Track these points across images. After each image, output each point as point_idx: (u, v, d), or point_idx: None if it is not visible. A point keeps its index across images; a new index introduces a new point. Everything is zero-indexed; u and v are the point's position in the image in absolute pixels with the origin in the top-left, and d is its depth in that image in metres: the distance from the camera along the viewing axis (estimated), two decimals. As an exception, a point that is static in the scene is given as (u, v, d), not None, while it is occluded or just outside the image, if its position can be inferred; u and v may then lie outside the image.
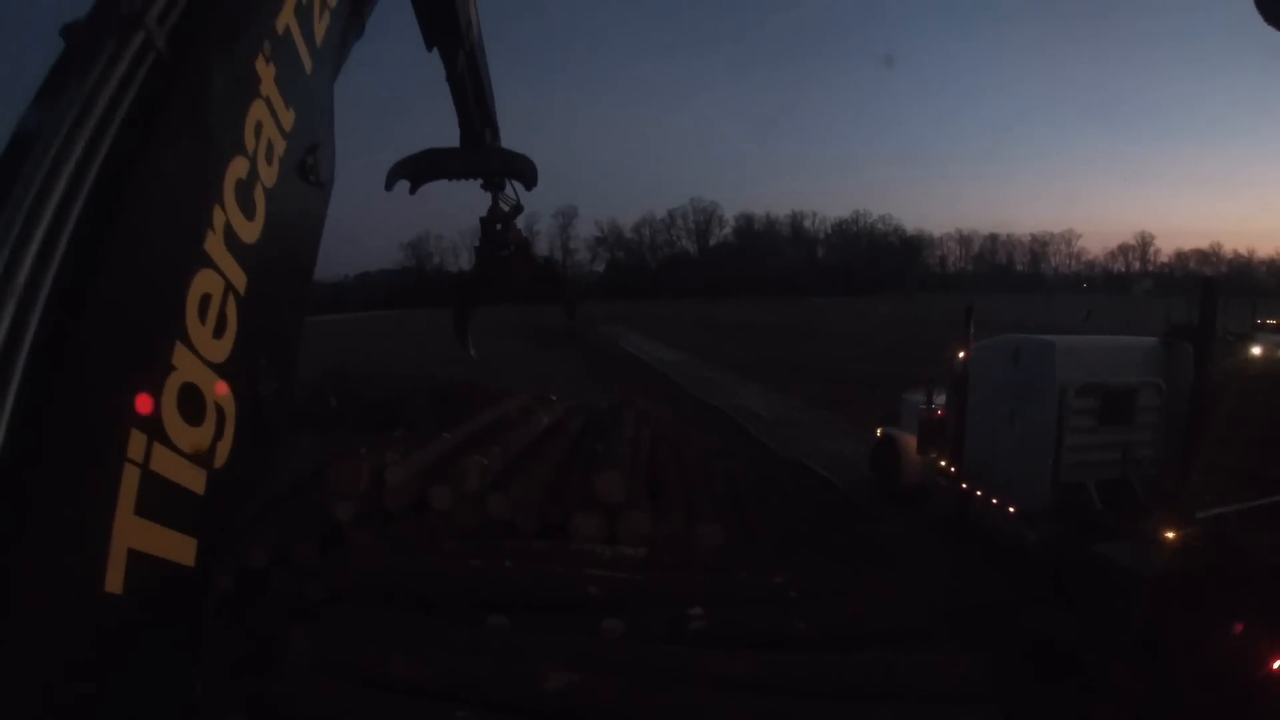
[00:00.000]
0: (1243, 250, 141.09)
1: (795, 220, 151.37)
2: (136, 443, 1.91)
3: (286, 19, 2.72)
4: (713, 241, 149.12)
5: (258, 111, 2.51)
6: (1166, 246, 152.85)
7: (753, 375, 35.62)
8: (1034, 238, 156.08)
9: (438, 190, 8.77)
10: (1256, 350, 9.72)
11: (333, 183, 3.17)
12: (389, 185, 8.29)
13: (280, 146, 2.61)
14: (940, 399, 14.32)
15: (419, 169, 8.68)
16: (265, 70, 2.55)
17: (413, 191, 8.57)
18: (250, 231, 2.41)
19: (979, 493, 12.53)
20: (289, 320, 2.84)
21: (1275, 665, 7.06)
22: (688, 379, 35.36)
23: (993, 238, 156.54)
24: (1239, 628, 7.37)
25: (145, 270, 2.04)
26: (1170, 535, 8.52)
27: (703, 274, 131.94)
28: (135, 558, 1.89)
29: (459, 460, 11.72)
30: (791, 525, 13.52)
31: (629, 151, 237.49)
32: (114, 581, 1.84)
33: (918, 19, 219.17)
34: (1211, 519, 8.35)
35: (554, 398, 19.45)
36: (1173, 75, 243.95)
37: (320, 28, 3.00)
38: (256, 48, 2.54)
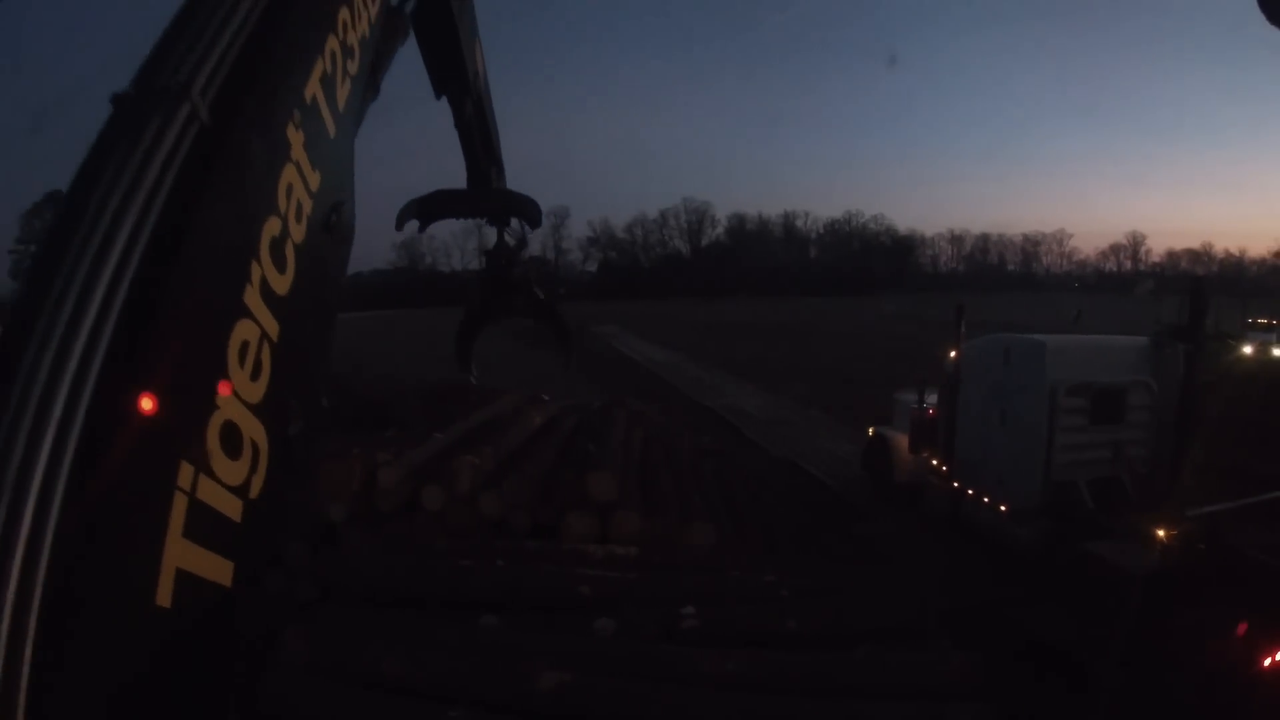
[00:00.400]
0: (1234, 250, 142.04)
1: (788, 220, 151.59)
2: (185, 473, 2.14)
3: (313, 89, 2.98)
4: (705, 241, 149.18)
5: (289, 175, 2.76)
6: (1158, 246, 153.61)
7: (745, 375, 35.70)
8: (1026, 237, 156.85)
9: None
10: (1247, 349, 9.78)
11: (354, 235, 3.42)
12: (399, 225, 8.75)
13: (308, 206, 2.85)
14: (932, 398, 14.38)
15: (429, 209, 9.18)
16: (295, 137, 2.81)
17: (422, 229, 9.04)
18: (282, 284, 2.64)
19: (970, 491, 12.59)
20: (315, 364, 3.09)
21: (1266, 662, 7.09)
22: (680, 379, 35.44)
23: (984, 237, 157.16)
24: (1229, 625, 7.41)
25: (193, 321, 2.26)
26: (1161, 533, 8.57)
27: (695, 274, 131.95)
28: (182, 576, 2.10)
29: (451, 460, 11.71)
30: (784, 524, 13.54)
31: (621, 151, 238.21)
32: (164, 596, 2.04)
33: (909, 20, 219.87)
34: (1202, 517, 8.39)
35: (546, 398, 19.43)
36: (1165, 75, 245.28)
37: (342, 94, 3.25)
38: (288, 116, 2.78)
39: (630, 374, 37.49)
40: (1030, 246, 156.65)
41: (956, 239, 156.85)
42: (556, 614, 8.49)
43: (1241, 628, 7.32)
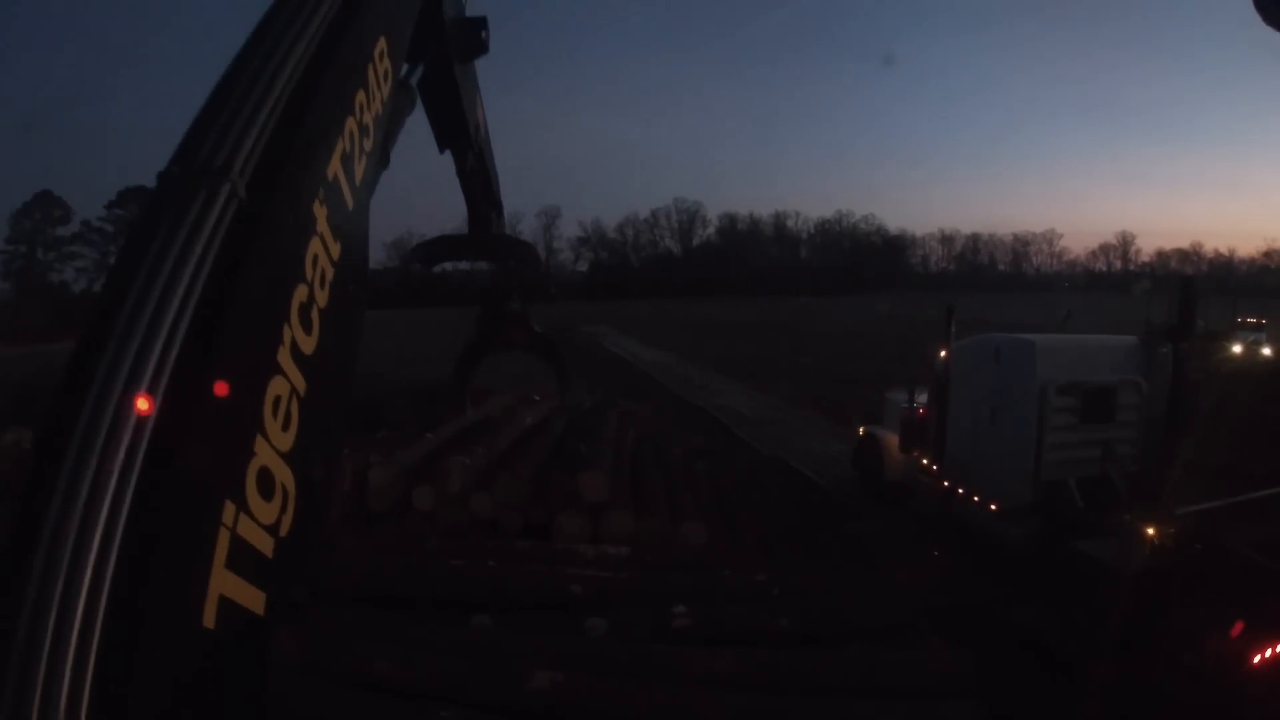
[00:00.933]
0: (1223, 249, 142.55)
1: (778, 220, 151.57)
2: (229, 511, 2.42)
3: (335, 168, 3.31)
4: (696, 241, 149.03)
5: (314, 246, 3.07)
6: (1147, 246, 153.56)
7: (736, 375, 35.73)
8: (1016, 237, 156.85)
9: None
10: (1236, 348, 9.83)
11: (369, 297, 3.77)
12: (406, 266, 9.15)
13: (330, 274, 3.15)
14: (922, 398, 14.40)
15: (435, 252, 9.99)
16: (319, 211, 3.12)
17: (425, 269, 9.41)
18: (309, 345, 2.94)
19: (961, 490, 12.61)
20: (335, 416, 3.33)
21: (1256, 659, 7.13)
22: (671, 379, 35.45)
23: (975, 237, 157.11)
24: (1219, 623, 7.44)
25: (235, 378, 2.52)
26: (1151, 532, 8.60)
27: (686, 274, 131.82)
28: (224, 602, 2.36)
29: (442, 461, 11.71)
30: (775, 524, 13.56)
31: (612, 151, 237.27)
32: (209, 618, 2.31)
33: (900, 20, 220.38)
34: (1192, 515, 8.43)
35: (537, 397, 19.42)
36: (1155, 75, 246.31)
37: (359, 170, 3.58)
38: (313, 194, 3.11)
39: (621, 374, 37.48)
40: (1020, 246, 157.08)
41: (947, 239, 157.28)
42: (548, 614, 8.51)
43: (1231, 625, 7.36)
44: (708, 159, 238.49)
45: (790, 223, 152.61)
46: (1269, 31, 4.59)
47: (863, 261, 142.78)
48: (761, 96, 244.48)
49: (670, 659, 7.36)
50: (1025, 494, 11.11)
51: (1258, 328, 11.05)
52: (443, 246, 10.04)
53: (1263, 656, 7.14)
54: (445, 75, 6.82)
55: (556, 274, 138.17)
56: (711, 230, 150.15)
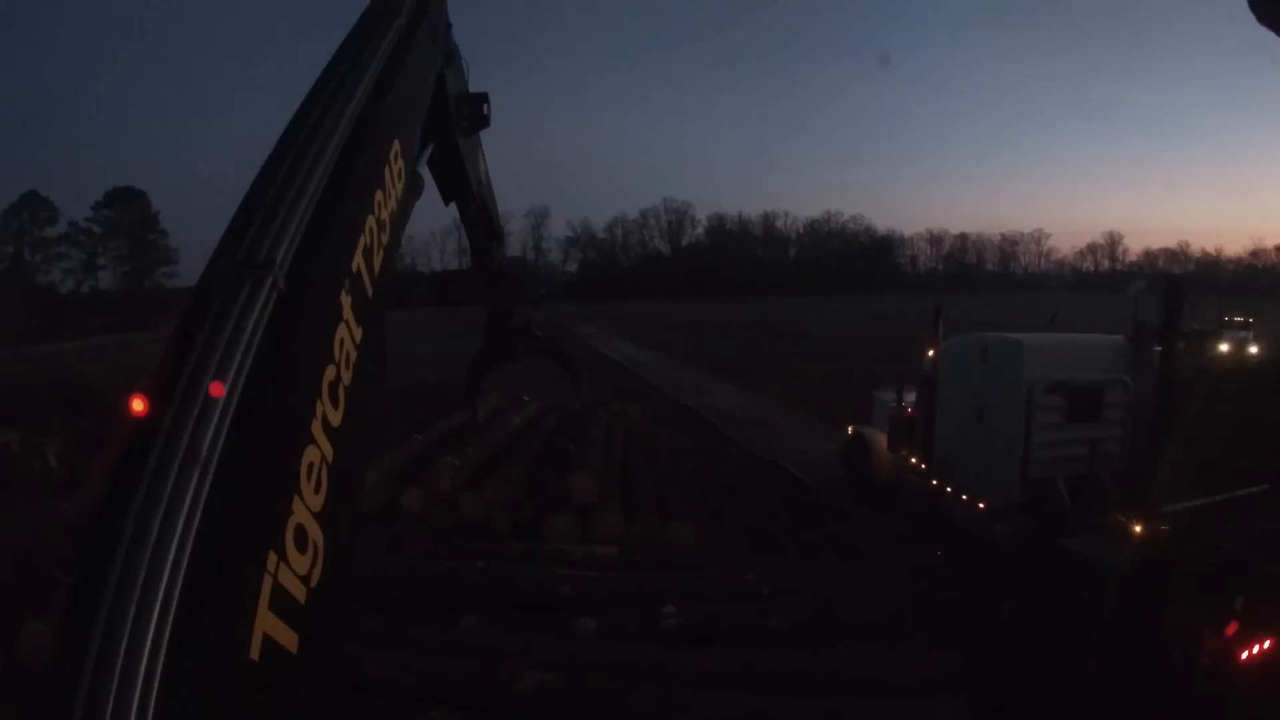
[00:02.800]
0: (1210, 249, 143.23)
1: (767, 220, 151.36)
2: (272, 560, 2.75)
3: (358, 261, 3.73)
4: (685, 241, 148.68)
5: (341, 332, 3.45)
6: (1135, 246, 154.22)
7: (725, 374, 35.72)
8: (1003, 237, 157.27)
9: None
10: (1223, 347, 9.88)
11: (386, 376, 4.23)
12: (413, 306, 9.21)
13: (354, 355, 3.53)
14: (910, 397, 14.43)
15: (440, 287, 11.26)
16: (345, 300, 3.52)
17: (431, 304, 9.70)
18: (336, 418, 3.29)
19: (949, 489, 12.64)
20: (355, 479, 3.73)
21: (1243, 655, 7.19)
22: (660, 379, 35.42)
23: (963, 237, 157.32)
24: (1207, 619, 7.49)
25: (281, 448, 2.94)
26: (1138, 529, 8.65)
27: (675, 274, 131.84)
28: (266, 639, 2.66)
29: (432, 461, 11.73)
30: (764, 523, 13.59)
31: (601, 151, 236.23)
32: (254, 652, 2.61)
33: (889, 21, 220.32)
34: (1179, 513, 8.48)
35: (526, 398, 19.42)
36: (1143, 76, 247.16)
37: (378, 261, 3.99)
38: (340, 286, 3.52)
39: (610, 374, 37.46)
40: (1008, 246, 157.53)
41: (935, 239, 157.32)
42: (538, 614, 8.52)
43: (1220, 622, 7.40)
44: (697, 159, 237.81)
45: (779, 223, 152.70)
46: (1260, 30, 4.61)
47: (851, 261, 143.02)
48: (751, 97, 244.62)
49: (660, 658, 7.38)
50: (1013, 492, 11.15)
51: (1244, 326, 11.09)
52: (447, 285, 11.17)
53: (1251, 653, 7.19)
54: (450, 148, 7.21)
55: (546, 274, 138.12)
56: (700, 230, 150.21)
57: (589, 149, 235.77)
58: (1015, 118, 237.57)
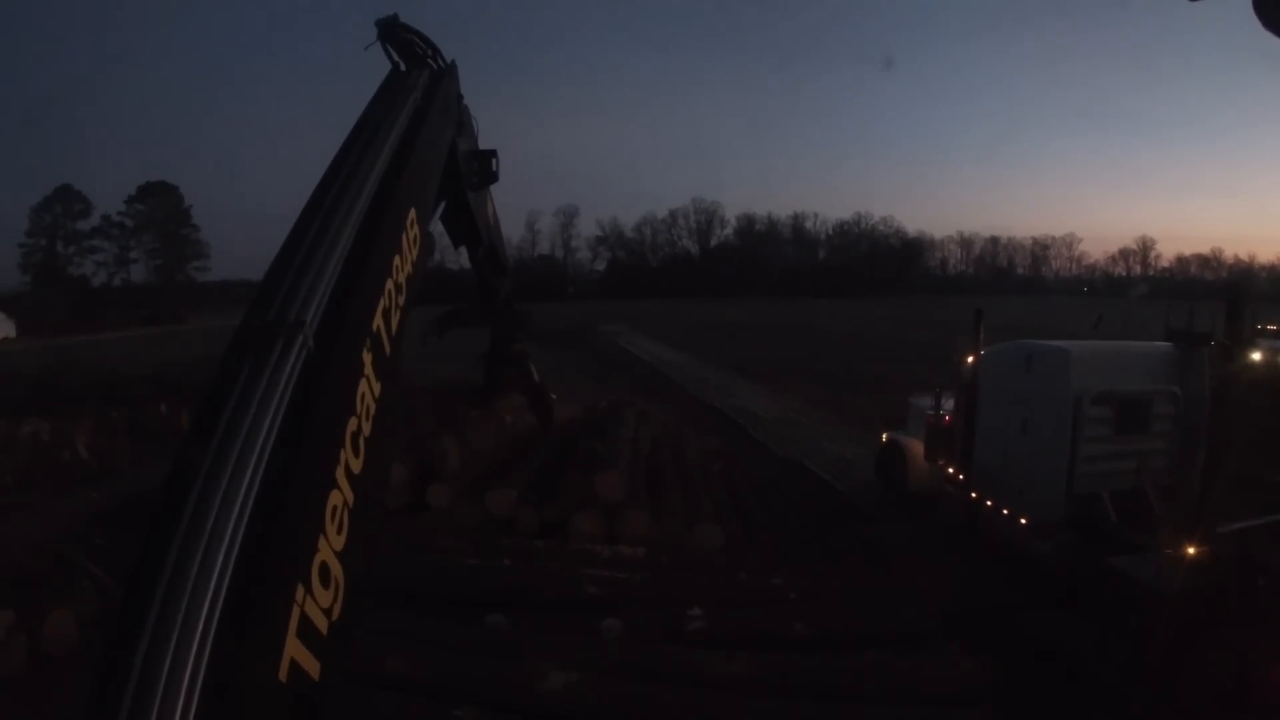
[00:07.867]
0: (1244, 256, 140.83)
1: (797, 221, 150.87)
2: (300, 591, 2.99)
3: (378, 321, 4.09)
4: (714, 241, 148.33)
5: (362, 387, 3.76)
6: (1167, 251, 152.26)
7: (753, 376, 35.55)
8: (1035, 241, 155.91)
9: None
10: (1256, 355, 9.57)
11: (400, 427, 4.52)
12: (424, 341, 9.81)
13: (373, 408, 3.81)
14: (948, 404, 14.08)
15: (447, 323, 11.35)
16: (366, 358, 3.86)
17: (438, 337, 10.96)
18: (357, 465, 3.56)
19: (989, 502, 12.28)
20: (374, 520, 3.89)
21: None
22: (688, 379, 35.32)
23: (994, 240, 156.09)
24: (1259, 646, 7.21)
25: (309, 493, 3.20)
26: (1190, 551, 8.25)
27: (704, 274, 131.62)
28: (293, 664, 2.89)
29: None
30: (791, 527, 13.47)
31: (631, 151, 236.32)
32: (283, 674, 2.83)
33: (921, 22, 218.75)
34: (1233, 534, 8.11)
35: (554, 396, 19.41)
36: (1176, 80, 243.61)
37: (394, 321, 4.35)
38: (362, 344, 3.87)
39: (637, 373, 37.42)
40: (1039, 250, 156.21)
41: (965, 242, 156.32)
42: (563, 614, 8.50)
43: (1272, 650, 7.14)
44: (726, 160, 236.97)
45: (809, 224, 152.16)
46: (1270, 38, 4.50)
47: (879, 263, 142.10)
48: (782, 97, 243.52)
49: (685, 661, 7.33)
50: (1057, 508, 10.69)
51: (1278, 334, 10.75)
52: (455, 317, 11.54)
53: None
54: (460, 203, 7.57)
55: (574, 273, 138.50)
56: (729, 231, 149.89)
57: (619, 148, 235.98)
58: (1048, 121, 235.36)
